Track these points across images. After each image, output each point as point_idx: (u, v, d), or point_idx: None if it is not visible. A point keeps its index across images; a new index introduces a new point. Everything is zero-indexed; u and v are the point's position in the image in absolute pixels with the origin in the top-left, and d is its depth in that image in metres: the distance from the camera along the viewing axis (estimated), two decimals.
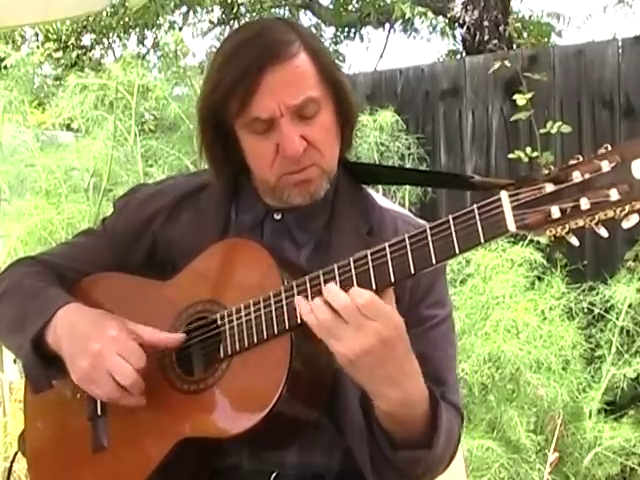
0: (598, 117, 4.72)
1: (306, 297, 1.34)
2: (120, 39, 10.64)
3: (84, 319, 1.49)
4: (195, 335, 1.48)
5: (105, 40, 10.74)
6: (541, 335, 3.59)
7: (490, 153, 5.00)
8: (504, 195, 1.21)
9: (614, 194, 1.14)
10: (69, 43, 10.65)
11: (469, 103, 5.05)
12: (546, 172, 1.20)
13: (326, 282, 1.33)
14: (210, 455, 1.49)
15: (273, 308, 1.38)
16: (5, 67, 5.21)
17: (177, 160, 4.42)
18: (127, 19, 9.91)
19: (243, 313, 1.41)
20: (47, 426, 1.63)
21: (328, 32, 10.34)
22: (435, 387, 1.43)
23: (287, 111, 1.43)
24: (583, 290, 3.90)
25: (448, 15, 7.61)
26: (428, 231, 1.27)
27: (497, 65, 4.75)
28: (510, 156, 4.62)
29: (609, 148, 1.16)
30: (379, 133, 4.57)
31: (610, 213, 1.15)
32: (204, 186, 1.61)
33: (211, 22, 10.71)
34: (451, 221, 1.25)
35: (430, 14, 8.96)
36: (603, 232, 1.17)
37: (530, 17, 9.73)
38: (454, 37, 9.80)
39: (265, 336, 1.39)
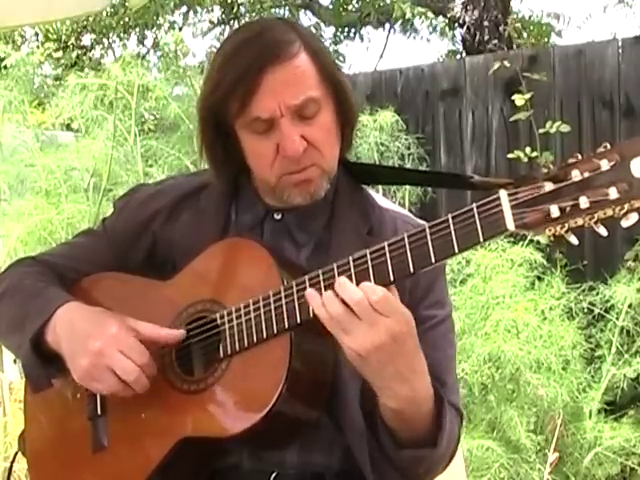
0: (598, 117, 4.72)
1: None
2: (120, 39, 10.63)
3: (83, 317, 1.50)
4: (195, 335, 1.48)
5: (105, 40, 10.73)
6: (541, 335, 3.59)
7: (490, 153, 4.99)
8: (503, 194, 1.21)
9: (613, 193, 1.14)
10: (69, 43, 10.64)
11: (469, 103, 5.05)
12: (545, 171, 1.20)
13: (326, 281, 1.32)
14: (210, 455, 1.49)
15: (273, 308, 1.38)
16: (5, 67, 5.21)
17: (177, 160, 4.42)
18: (127, 19, 9.90)
19: (243, 313, 1.41)
20: (47, 426, 1.63)
21: (328, 32, 10.34)
22: None
23: (287, 111, 1.43)
24: (583, 290, 3.90)
25: (448, 15, 7.61)
26: (427, 230, 1.27)
27: (497, 65, 4.75)
28: (510, 156, 4.62)
29: (608, 147, 1.16)
30: (379, 133, 4.57)
31: (609, 212, 1.15)
32: (204, 186, 1.61)
33: (211, 22, 10.70)
34: (450, 220, 1.25)
35: (430, 14, 8.96)
36: (602, 231, 1.17)
37: (530, 17, 9.73)
38: (454, 37, 9.81)
39: (265, 336, 1.39)
